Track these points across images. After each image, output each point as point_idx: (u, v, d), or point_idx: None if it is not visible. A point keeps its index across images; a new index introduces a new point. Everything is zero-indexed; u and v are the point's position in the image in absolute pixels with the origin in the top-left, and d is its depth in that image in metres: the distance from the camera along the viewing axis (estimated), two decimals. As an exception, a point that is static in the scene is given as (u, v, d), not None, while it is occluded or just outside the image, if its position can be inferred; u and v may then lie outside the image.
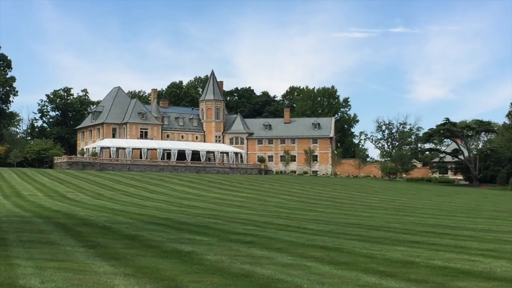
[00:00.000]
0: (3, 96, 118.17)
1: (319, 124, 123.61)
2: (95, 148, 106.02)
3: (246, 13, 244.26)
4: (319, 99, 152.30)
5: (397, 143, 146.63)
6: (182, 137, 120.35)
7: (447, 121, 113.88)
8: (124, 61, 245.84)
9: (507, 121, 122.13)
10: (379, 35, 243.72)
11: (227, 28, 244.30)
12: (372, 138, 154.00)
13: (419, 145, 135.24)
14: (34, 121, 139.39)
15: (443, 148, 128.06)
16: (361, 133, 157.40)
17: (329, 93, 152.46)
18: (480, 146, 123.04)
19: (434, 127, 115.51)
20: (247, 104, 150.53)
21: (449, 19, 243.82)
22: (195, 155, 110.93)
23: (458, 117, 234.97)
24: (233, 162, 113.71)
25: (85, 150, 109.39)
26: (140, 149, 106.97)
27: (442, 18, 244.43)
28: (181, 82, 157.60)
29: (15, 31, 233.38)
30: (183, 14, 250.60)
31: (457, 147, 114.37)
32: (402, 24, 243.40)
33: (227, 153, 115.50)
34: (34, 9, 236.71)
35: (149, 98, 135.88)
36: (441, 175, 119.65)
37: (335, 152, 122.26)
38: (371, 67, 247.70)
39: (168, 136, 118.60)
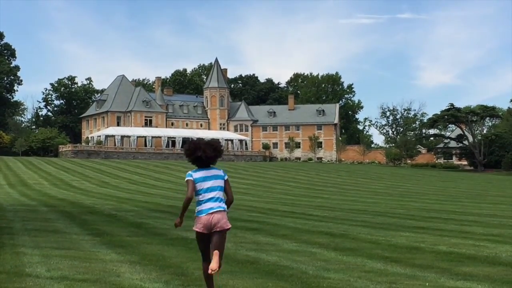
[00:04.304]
0: (8, 85, 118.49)
1: (323, 110, 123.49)
2: (100, 136, 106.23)
3: (252, 0, 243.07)
4: (323, 85, 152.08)
5: (402, 129, 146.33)
6: (187, 124, 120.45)
7: (452, 107, 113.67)
8: (129, 49, 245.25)
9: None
10: (386, 21, 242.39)
11: (233, 15, 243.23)
12: (376, 124, 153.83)
13: (423, 131, 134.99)
14: (39, 110, 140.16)
15: (447, 134, 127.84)
16: (365, 119, 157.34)
17: (333, 80, 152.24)
18: (484, 132, 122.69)
19: (439, 113, 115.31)
20: (251, 91, 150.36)
21: (456, 4, 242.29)
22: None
23: (464, 103, 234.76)
24: (237, 149, 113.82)
25: (90, 138, 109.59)
26: (145, 137, 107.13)
27: (449, 4, 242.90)
28: (185, 70, 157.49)
29: (21, 20, 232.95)
30: (190, 2, 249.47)
31: (462, 133, 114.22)
32: (409, 10, 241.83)
33: (231, 140, 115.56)
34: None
35: (153, 86, 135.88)
36: (445, 160, 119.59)
37: (340, 138, 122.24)
38: (377, 53, 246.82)
39: (172, 124, 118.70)
